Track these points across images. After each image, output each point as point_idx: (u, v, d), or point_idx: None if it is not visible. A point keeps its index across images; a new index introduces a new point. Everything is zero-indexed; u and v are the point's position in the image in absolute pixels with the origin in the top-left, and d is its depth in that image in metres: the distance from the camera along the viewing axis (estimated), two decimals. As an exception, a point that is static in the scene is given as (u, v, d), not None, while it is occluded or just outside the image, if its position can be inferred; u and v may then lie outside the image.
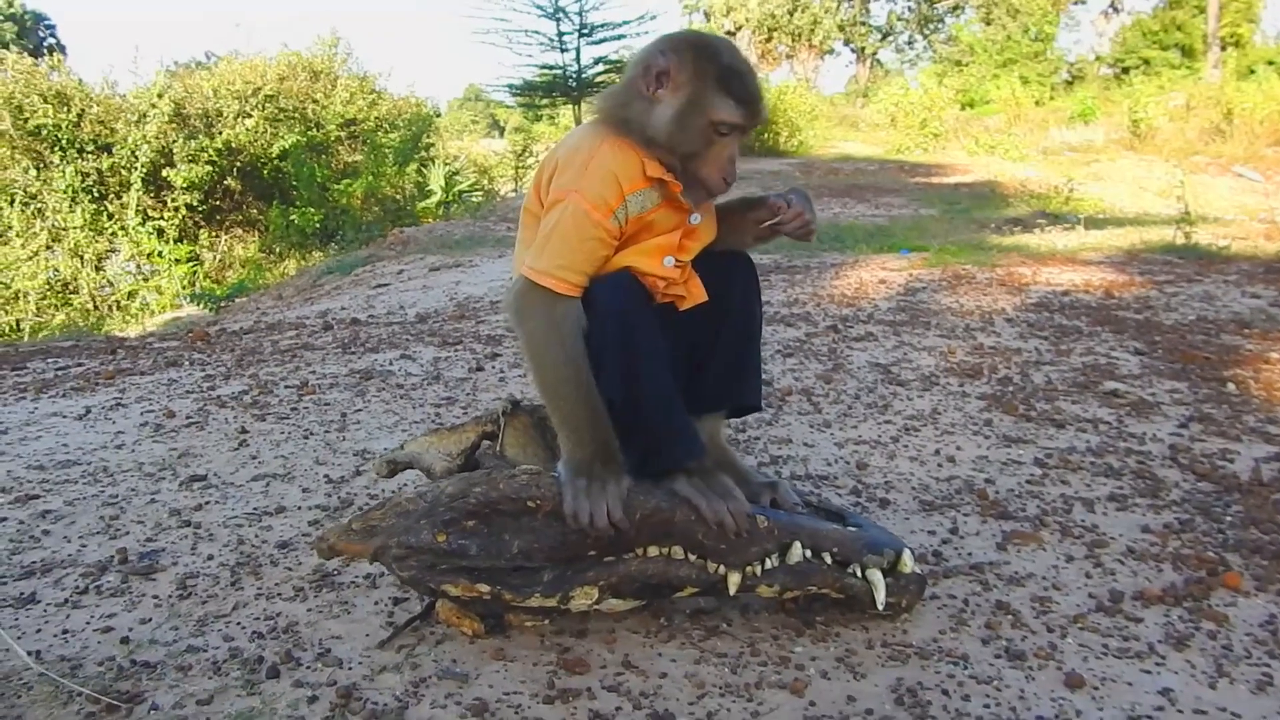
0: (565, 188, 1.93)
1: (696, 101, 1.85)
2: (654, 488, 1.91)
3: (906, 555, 2.00)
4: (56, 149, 14.92)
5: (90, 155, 15.09)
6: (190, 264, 15.22)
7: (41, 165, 14.95)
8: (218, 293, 11.09)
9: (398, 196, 18.07)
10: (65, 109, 14.89)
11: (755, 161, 17.10)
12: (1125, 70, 31.89)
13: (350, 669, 1.85)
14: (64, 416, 3.61)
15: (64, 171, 14.76)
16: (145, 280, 14.96)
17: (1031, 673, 1.84)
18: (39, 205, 14.71)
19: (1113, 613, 2.05)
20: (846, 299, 5.25)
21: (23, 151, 15.02)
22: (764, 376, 3.69)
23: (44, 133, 14.86)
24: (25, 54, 16.15)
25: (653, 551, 1.91)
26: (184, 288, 14.63)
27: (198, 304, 10.05)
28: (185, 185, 15.39)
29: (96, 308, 14.46)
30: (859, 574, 1.97)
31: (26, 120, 14.77)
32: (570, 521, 1.81)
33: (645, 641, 1.95)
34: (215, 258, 16.29)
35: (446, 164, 18.85)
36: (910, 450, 3.05)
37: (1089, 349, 4.15)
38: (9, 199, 14.62)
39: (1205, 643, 1.94)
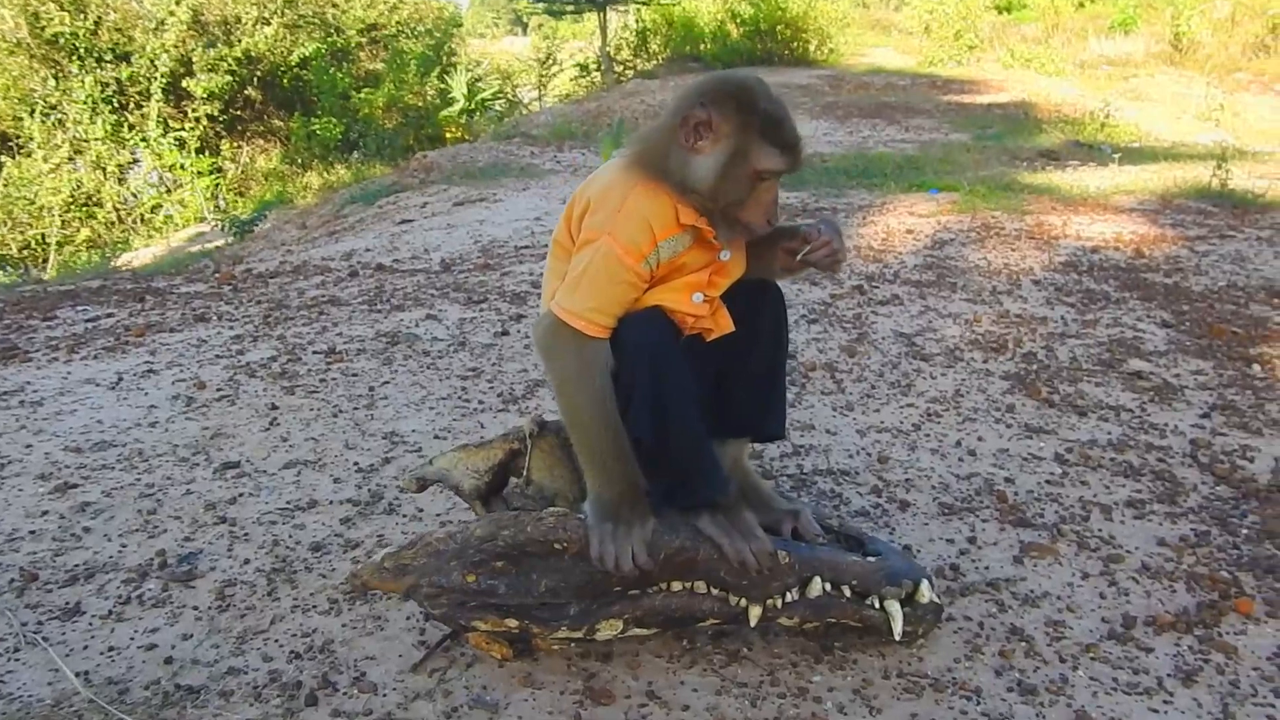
0: (598, 229, 1.93)
1: (741, 152, 1.84)
2: (679, 525, 1.95)
3: (924, 586, 2.04)
4: (75, 58, 14.78)
5: (109, 64, 14.95)
6: (212, 176, 15.18)
7: (60, 75, 14.83)
8: (240, 215, 11.07)
9: (421, 105, 17.84)
10: (82, 16, 14.70)
11: (784, 73, 16.73)
12: (1170, -29, 30.66)
13: (385, 695, 1.94)
14: (97, 385, 3.68)
15: (83, 81, 14.64)
16: (168, 193, 14.95)
17: (1043, 710, 1.90)
18: (59, 116, 14.63)
19: (1124, 640, 2.10)
20: (874, 252, 5.21)
21: (41, 61, 14.90)
22: (790, 346, 3.73)
23: (61, 41, 14.71)
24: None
25: (676, 586, 1.96)
26: (206, 199, 14.64)
27: (221, 227, 10.04)
28: (205, 95, 15.27)
29: (121, 221, 14.51)
30: (877, 604, 2.02)
31: (44, 29, 14.60)
32: (596, 564, 1.86)
33: (669, 668, 2.02)
34: (237, 169, 16.24)
35: (469, 70, 18.50)
36: (932, 440, 3.08)
37: (1116, 319, 4.13)
38: (29, 109, 14.54)
39: (1213, 678, 1.99)
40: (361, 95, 16.35)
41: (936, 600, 2.08)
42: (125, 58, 15.01)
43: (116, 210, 14.54)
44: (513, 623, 1.91)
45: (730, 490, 2.00)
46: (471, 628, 1.93)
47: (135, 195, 14.89)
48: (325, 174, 14.41)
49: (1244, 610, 2.20)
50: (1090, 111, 11.28)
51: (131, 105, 15.16)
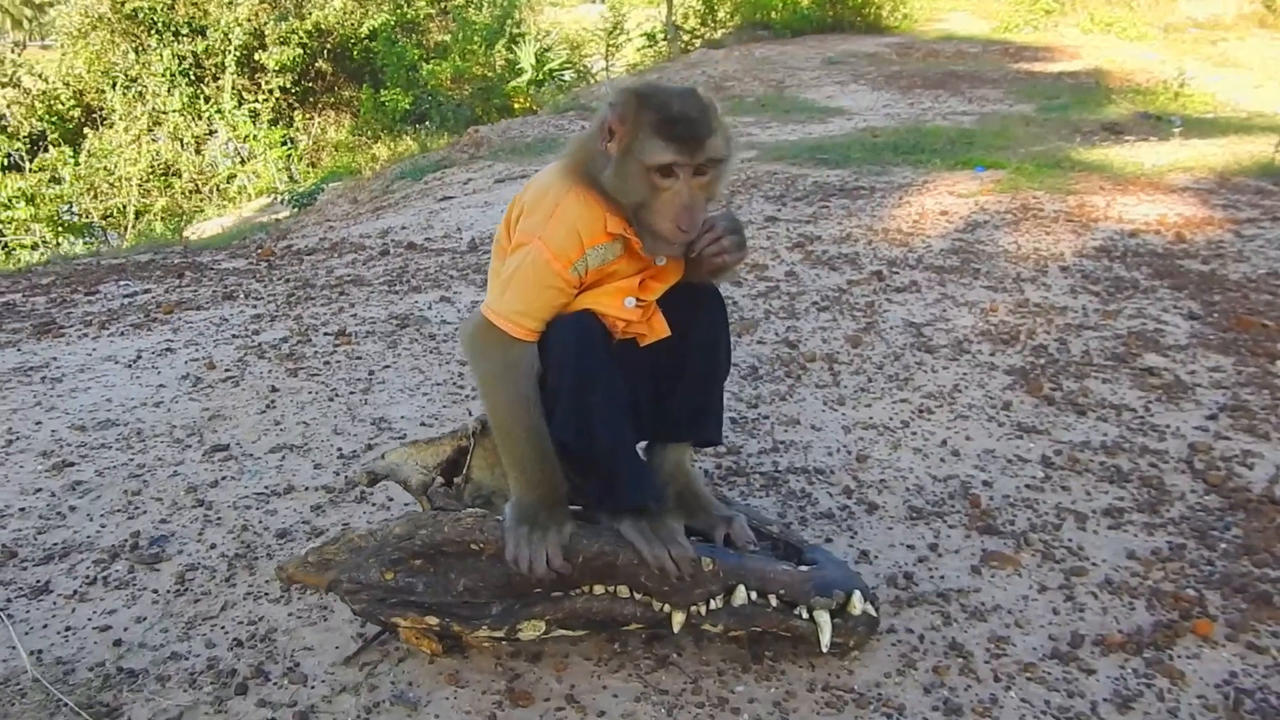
0: (530, 233, 1.93)
1: (631, 148, 1.81)
2: (600, 529, 1.96)
3: (856, 597, 2.01)
4: (153, 32, 15.21)
5: (186, 38, 15.35)
6: (284, 147, 15.52)
7: (140, 49, 15.29)
8: (304, 188, 11.29)
9: (490, 76, 17.93)
10: (159, -11, 15.09)
11: (853, 40, 16.40)
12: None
13: (313, 687, 1.98)
14: (116, 362, 3.81)
15: (161, 54, 15.08)
16: (242, 164, 15.34)
17: (964, 731, 1.87)
18: (139, 89, 15.09)
19: (1067, 660, 2.05)
20: (901, 235, 5.09)
21: (122, 35, 15.38)
22: (794, 335, 3.69)
23: (140, 15, 15.13)
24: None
25: (599, 590, 1.97)
26: (278, 170, 14.99)
27: (285, 201, 10.27)
28: (278, 68, 15.59)
29: (198, 190, 14.93)
30: (806, 615, 1.99)
31: (124, 3, 15.03)
32: (512, 565, 1.88)
33: (595, 671, 2.03)
34: (309, 141, 16.56)
35: (538, 40, 18.49)
36: (918, 439, 3.01)
37: (1139, 310, 3.97)
38: (111, 82, 15.03)
39: (1151, 705, 1.93)
40: (430, 67, 16.50)
41: (872, 612, 2.04)
42: (201, 31, 15.40)
43: (194, 180, 14.97)
44: (433, 620, 1.94)
45: (655, 496, 1.99)
46: (392, 624, 1.96)
47: (211, 166, 15.31)
48: (392, 146, 14.61)
49: (1202, 632, 2.12)
50: (1164, 81, 10.80)
51: (208, 78, 15.57)
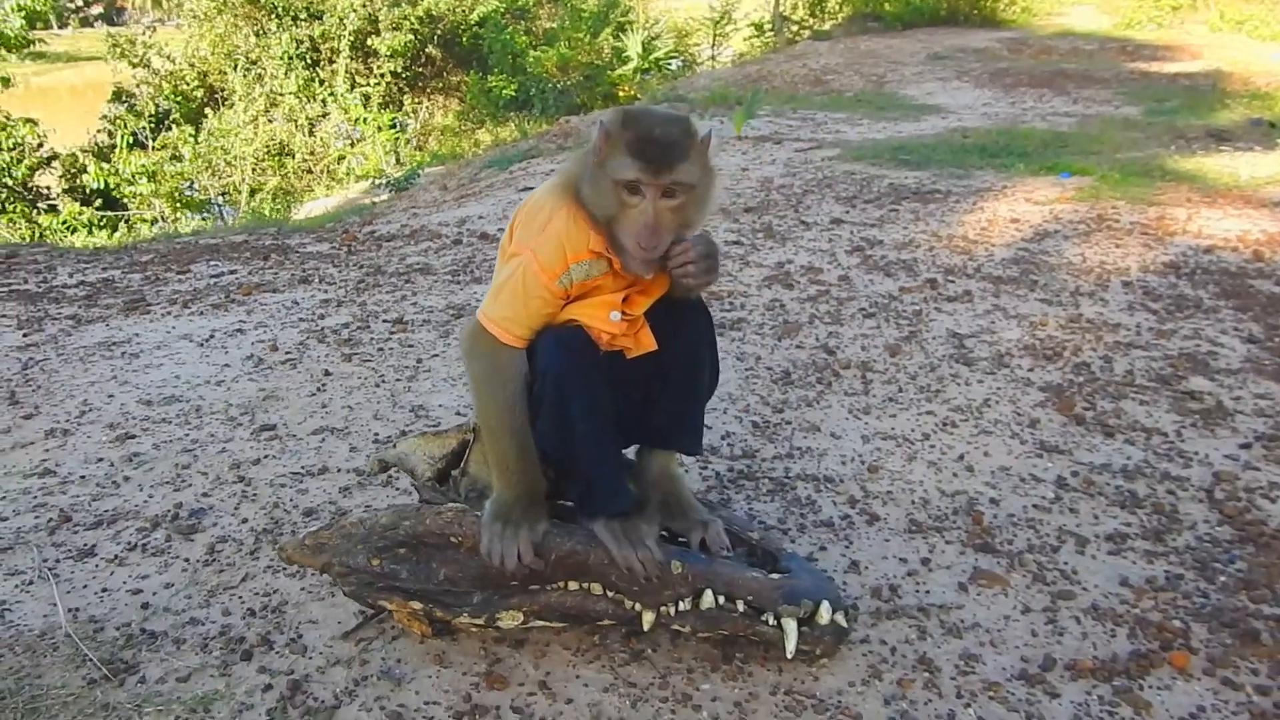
0: (524, 244, 2.04)
1: (605, 163, 1.91)
2: (574, 529, 2.07)
3: (824, 607, 2.07)
4: (274, 16, 15.83)
5: (303, 22, 15.93)
6: (393, 131, 16.00)
7: (261, 32, 15.93)
8: (401, 173, 11.63)
9: (598, 63, 18.14)
10: (280, -26, 15.69)
11: (964, 35, 16.05)
12: None
13: (310, 658, 2.14)
14: (191, 340, 4.07)
15: (280, 38, 15.68)
16: (352, 146, 15.87)
17: (915, 744, 1.91)
18: (258, 71, 15.75)
19: (1034, 682, 2.07)
20: (964, 244, 5.04)
21: (244, 19, 16.05)
22: (834, 341, 3.73)
23: (262, 0, 15.76)
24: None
25: (572, 586, 2.07)
26: (386, 154, 15.46)
27: (383, 185, 10.63)
28: (389, 53, 16.06)
29: (310, 171, 15.52)
30: (774, 621, 2.06)
31: (247, -13, 15.69)
32: (486, 559, 2.00)
33: (572, 660, 2.14)
34: (417, 125, 17.03)
35: (645, 29, 18.60)
36: (935, 452, 3.03)
37: (1196, 330, 3.87)
38: (233, 64, 15.73)
39: (1109, 733, 1.94)
40: (535, 54, 16.77)
41: (841, 622, 2.09)
42: (318, 16, 15.96)
43: (305, 161, 15.56)
44: (417, 605, 2.07)
45: (629, 504, 2.08)
46: (379, 606, 2.11)
47: (323, 147, 15.89)
48: (496, 132, 14.94)
49: (1178, 664, 2.11)
50: (1287, 85, 10.30)
51: (323, 62, 16.14)
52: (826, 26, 18.57)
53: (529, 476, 2.05)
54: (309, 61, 16.00)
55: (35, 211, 13.08)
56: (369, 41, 15.96)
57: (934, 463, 2.97)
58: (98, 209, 13.34)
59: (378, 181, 11.72)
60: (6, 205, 12.88)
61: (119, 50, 15.72)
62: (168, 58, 16.14)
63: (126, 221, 13.39)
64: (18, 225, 12.58)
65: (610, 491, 2.06)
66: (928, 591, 2.37)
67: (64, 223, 12.82)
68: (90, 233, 12.49)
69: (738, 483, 2.86)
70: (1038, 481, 2.85)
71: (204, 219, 13.51)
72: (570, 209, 2.01)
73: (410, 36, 16.22)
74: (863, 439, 3.12)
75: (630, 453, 2.33)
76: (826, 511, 2.71)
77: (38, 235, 12.46)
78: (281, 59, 15.68)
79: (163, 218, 13.46)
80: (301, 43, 15.80)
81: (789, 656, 2.06)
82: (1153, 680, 2.07)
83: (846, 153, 7.50)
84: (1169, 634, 2.20)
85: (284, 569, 2.45)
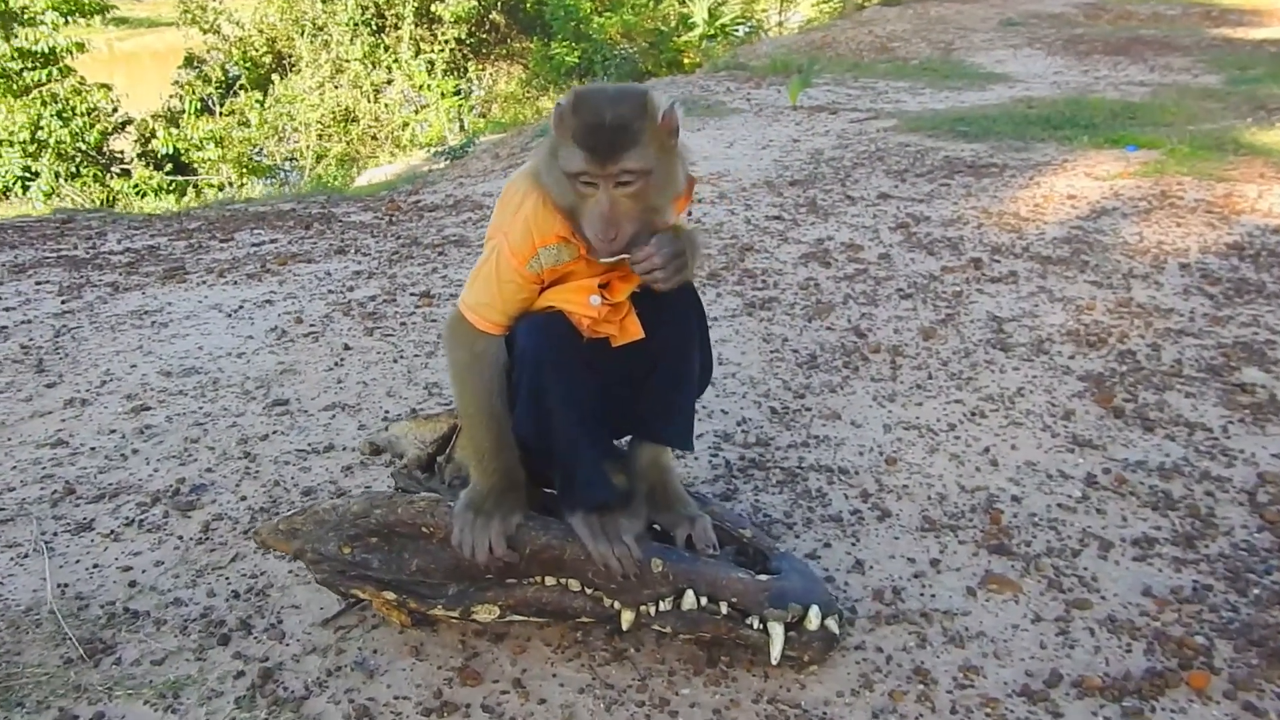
0: (497, 228, 1.98)
1: (557, 153, 1.81)
2: (551, 522, 1.99)
3: (813, 612, 1.97)
4: (340, -19, 15.89)
5: (368, -12, 15.96)
6: (457, 97, 16.03)
7: (327, -1, 16.02)
8: (460, 141, 11.62)
9: (663, 29, 17.92)
10: (346, -61, 15.72)
11: (1036, 0, 15.46)
12: None
13: (287, 645, 2.11)
14: (220, 310, 4.07)
15: (346, 4, 15.74)
16: (415, 113, 15.93)
17: (900, 762, 1.81)
18: (325, 37, 15.85)
19: (1036, 700, 1.94)
20: (1015, 220, 4.82)
21: (311, -16, 16.14)
22: (866, 323, 3.61)
23: (329, -34, 15.84)
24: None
25: (549, 581, 2.00)
26: (449, 121, 15.50)
27: (440, 154, 10.63)
28: (454, 19, 16.04)
29: (374, 138, 15.62)
30: (759, 625, 1.97)
31: (314, -46, 15.76)
32: (457, 549, 1.94)
33: (550, 657, 2.07)
34: (480, 92, 17.02)
35: (713, -8, 18.31)
36: (959, 444, 2.89)
37: (1255, 318, 3.65)
38: (300, 30, 15.85)
39: (1112, 758, 1.81)
40: (599, 20, 16.61)
41: (832, 628, 1.99)
42: (383, -19, 15.99)
43: (370, 128, 15.66)
44: (390, 595, 2.02)
45: (610, 497, 2.00)
46: (352, 595, 2.06)
47: (388, 113, 15.97)
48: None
49: (1197, 685, 1.96)
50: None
51: (388, 28, 16.18)
52: (898, -10, 18.03)
53: (504, 467, 1.98)
54: (374, 28, 16.06)
55: (109, 175, 13.39)
56: (433, 8, 15.94)
57: (956, 455, 2.83)
58: (167, 174, 13.61)
59: (437, 149, 11.73)
60: (81, 169, 13.20)
61: (190, 16, 15.95)
62: (237, 24, 16.32)
63: (195, 186, 13.63)
64: (91, 189, 12.89)
65: (587, 483, 1.97)
66: (933, 595, 2.25)
67: (135, 187, 13.11)
68: (158, 196, 12.74)
69: (747, 472, 2.76)
70: (1065, 478, 2.70)
71: (267, 185, 13.70)
72: (539, 192, 1.92)
73: (474, 2, 16.17)
74: (884, 428, 2.98)
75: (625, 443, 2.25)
76: (836, 505, 2.59)
77: (110, 199, 12.76)
78: (347, 25, 15.76)
79: (229, 183, 13.67)
80: (367, 8, 15.85)
81: (774, 662, 1.96)
82: (1166, 702, 1.93)
83: (903, 123, 7.26)
84: (1190, 651, 2.05)
85: (274, 551, 2.42)
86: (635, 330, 2.02)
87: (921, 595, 2.25)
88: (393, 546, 1.99)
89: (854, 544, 2.44)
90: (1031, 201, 5.09)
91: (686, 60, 17.17)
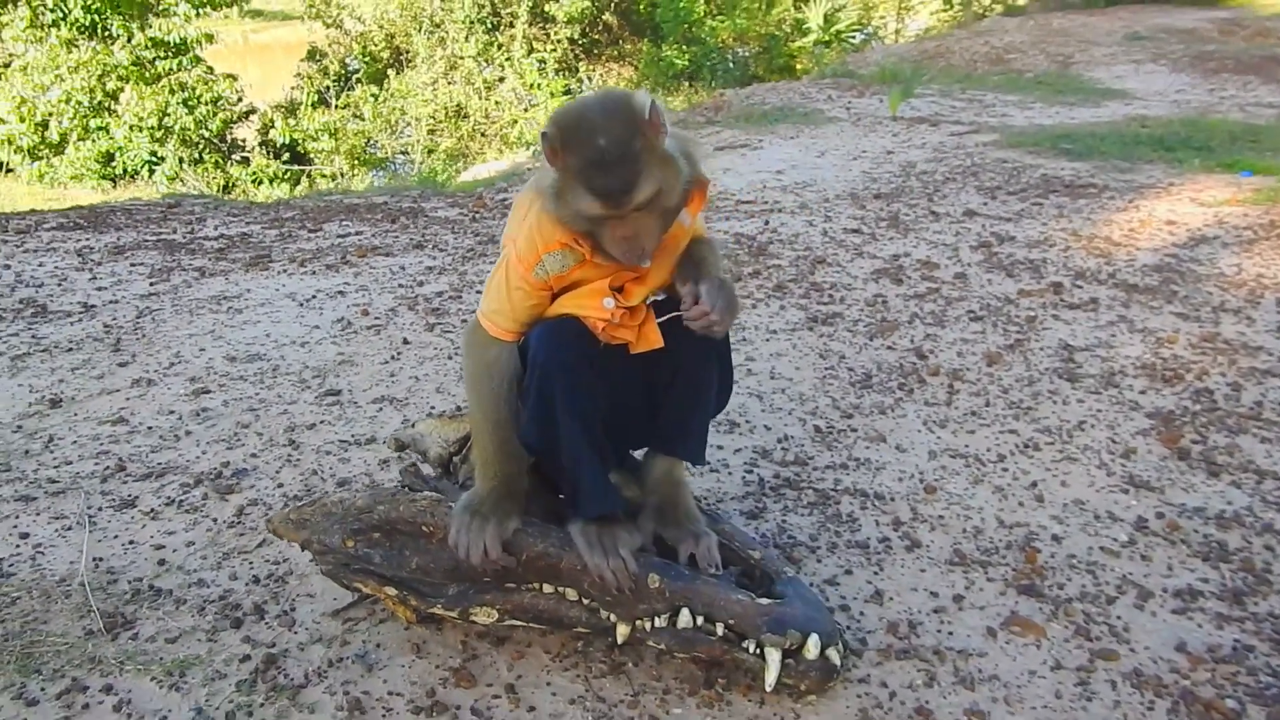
0: (509, 236, 1.98)
1: (566, 189, 1.77)
2: (552, 530, 1.98)
3: (812, 640, 1.91)
4: (458, -20, 16.24)
5: (485, -13, 16.27)
6: (567, 97, 16.19)
7: (445, -4, 16.40)
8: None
9: (776, 34, 17.80)
10: (464, -61, 16.04)
11: (1172, 13, 14.82)
12: None
13: (295, 632, 2.15)
14: (293, 299, 4.20)
15: (464, 1, 16.07)
16: (525, 111, 16.16)
17: (885, 805, 1.74)
18: (441, 34, 16.22)
19: (1041, 753, 1.85)
20: (1105, 245, 4.62)
21: (431, -19, 16.54)
22: (930, 344, 3.52)
23: (449, -37, 16.20)
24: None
25: (547, 589, 1.99)
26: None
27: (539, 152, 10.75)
28: (566, 19, 16.23)
29: (484, 135, 15.91)
30: (756, 649, 1.92)
31: (432, -47, 16.13)
32: (453, 550, 1.94)
33: (548, 665, 2.06)
34: (590, 92, 17.17)
35: (829, 0, 18.11)
36: (1006, 477, 2.77)
37: (1353, 361, 3.41)
38: (418, 26, 16.25)
39: (1112, 823, 1.71)
40: (711, 24, 16.59)
41: (834, 659, 1.93)
42: (500, -20, 16.28)
43: (480, 125, 15.96)
44: (391, 590, 2.04)
45: (615, 507, 1.98)
46: (355, 588, 2.09)
47: (498, 109, 16.25)
48: (666, 101, 14.86)
49: (1220, 752, 1.84)
50: None
51: (503, 26, 16.47)
52: (1021, 1, 17.52)
53: (507, 473, 1.98)
54: (489, 25, 16.36)
55: (229, 162, 13.95)
56: (547, 7, 16.16)
57: (1001, 488, 2.72)
58: (284, 163, 14.11)
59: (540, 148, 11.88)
60: (204, 155, 13.78)
61: (314, 10, 16.52)
62: (359, 19, 16.83)
63: (308, 175, 14.10)
64: (211, 175, 13.45)
65: (589, 493, 1.96)
66: (951, 633, 2.16)
67: (252, 175, 13.63)
68: (273, 185, 13.22)
69: (779, 490, 2.70)
70: (1113, 520, 2.56)
71: (380, 177, 14.07)
72: (544, 201, 1.91)
73: (588, 3, 16.33)
74: (929, 454, 2.89)
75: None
76: (865, 531, 2.52)
77: (229, 185, 13.30)
78: (463, 22, 16.09)
79: (342, 174, 14.09)
80: (483, 6, 16.16)
81: (768, 689, 1.91)
82: (1183, 768, 1.82)
83: (1005, 138, 7.04)
84: (1219, 715, 1.92)
85: (301, 538, 2.48)
86: (655, 338, 2.00)
87: (938, 631, 2.16)
88: (394, 543, 2.01)
89: (876, 573, 2.36)
90: (1127, 225, 4.87)
91: (799, 66, 17.01)
